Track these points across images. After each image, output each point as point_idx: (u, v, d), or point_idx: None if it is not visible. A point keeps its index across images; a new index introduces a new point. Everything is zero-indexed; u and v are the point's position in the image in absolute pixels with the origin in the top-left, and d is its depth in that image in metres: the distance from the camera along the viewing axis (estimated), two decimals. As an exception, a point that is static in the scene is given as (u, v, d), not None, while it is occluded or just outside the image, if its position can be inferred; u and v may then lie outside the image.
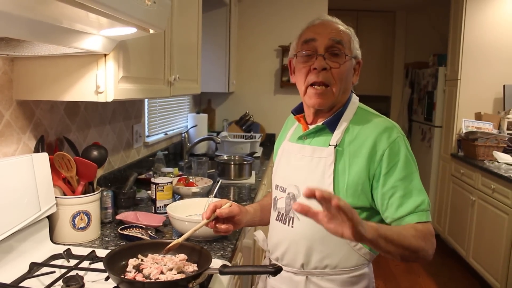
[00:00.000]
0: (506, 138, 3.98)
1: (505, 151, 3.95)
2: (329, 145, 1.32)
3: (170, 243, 1.31)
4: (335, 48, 1.31)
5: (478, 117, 4.36)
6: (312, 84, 1.33)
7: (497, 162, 3.79)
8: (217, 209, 1.35)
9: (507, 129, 4.13)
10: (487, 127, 4.16)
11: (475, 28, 4.32)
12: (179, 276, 1.23)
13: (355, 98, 1.42)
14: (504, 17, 4.27)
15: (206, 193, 2.28)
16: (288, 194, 1.40)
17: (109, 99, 1.45)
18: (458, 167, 4.29)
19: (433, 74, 5.00)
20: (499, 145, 3.94)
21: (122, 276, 1.22)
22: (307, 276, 1.35)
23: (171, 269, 1.26)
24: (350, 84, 1.39)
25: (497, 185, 3.47)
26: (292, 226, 1.37)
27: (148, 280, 1.19)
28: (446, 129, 4.69)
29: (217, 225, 1.36)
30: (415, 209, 1.23)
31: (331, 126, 1.35)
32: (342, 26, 1.37)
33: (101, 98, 1.45)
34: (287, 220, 1.39)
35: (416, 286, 3.86)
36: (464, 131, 4.20)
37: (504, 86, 4.24)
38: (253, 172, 2.93)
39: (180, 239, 1.31)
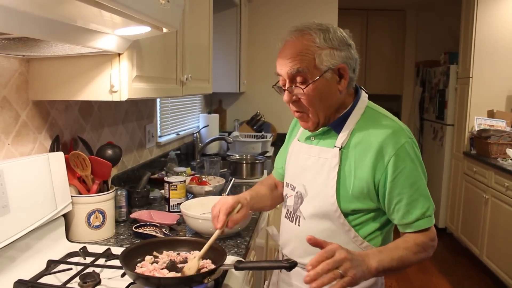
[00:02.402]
0: (520, 136, 3.95)
1: (519, 148, 3.91)
2: (334, 147, 1.32)
3: (185, 240, 1.32)
4: (296, 78, 1.27)
5: (491, 114, 4.33)
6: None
7: (511, 159, 3.76)
8: (230, 222, 1.36)
9: (520, 126, 4.10)
10: (500, 124, 4.13)
11: (486, 25, 4.29)
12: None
13: (364, 97, 1.38)
14: (516, 13, 4.24)
15: (219, 192, 2.29)
16: (297, 193, 1.41)
17: (124, 98, 1.46)
18: (471, 165, 4.26)
19: (444, 72, 4.97)
20: (512, 142, 3.91)
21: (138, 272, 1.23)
22: None
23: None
24: (333, 97, 1.31)
25: (511, 182, 3.44)
26: (298, 225, 1.39)
27: (163, 276, 1.20)
28: (458, 127, 4.66)
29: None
30: (421, 217, 1.26)
31: (336, 128, 1.34)
32: (301, 45, 1.26)
33: (115, 97, 1.46)
34: (295, 218, 1.41)
35: (430, 285, 3.84)
36: (476, 129, 4.17)
37: (517, 83, 4.21)
38: (265, 171, 2.94)
39: (199, 256, 1.26)
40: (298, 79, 1.26)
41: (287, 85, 1.30)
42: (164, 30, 1.36)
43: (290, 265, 1.15)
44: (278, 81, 1.34)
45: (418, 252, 1.25)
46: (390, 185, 1.25)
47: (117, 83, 1.45)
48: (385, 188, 1.26)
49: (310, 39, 1.25)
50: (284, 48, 1.30)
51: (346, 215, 1.30)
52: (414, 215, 1.26)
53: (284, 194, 1.51)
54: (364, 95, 1.39)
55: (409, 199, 1.25)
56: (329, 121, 1.35)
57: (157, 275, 1.20)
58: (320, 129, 1.37)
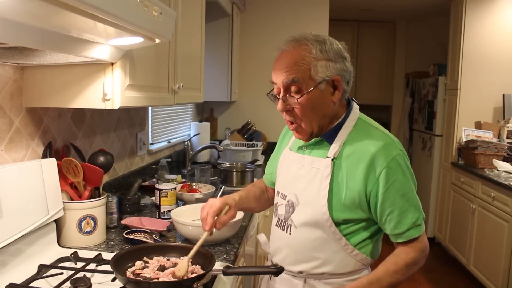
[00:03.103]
0: (506, 147, 4.02)
1: (505, 159, 3.98)
2: (327, 157, 1.34)
3: (175, 246, 1.35)
4: (291, 87, 1.29)
5: (478, 126, 4.40)
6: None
7: (497, 170, 3.82)
8: (218, 224, 1.41)
9: (507, 137, 4.16)
10: (487, 135, 4.20)
11: (474, 37, 4.38)
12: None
13: (355, 108, 1.41)
14: (503, 27, 4.33)
15: (209, 200, 2.32)
16: (288, 201, 1.43)
17: (116, 106, 1.49)
18: (459, 176, 4.32)
19: (433, 84, 5.05)
20: (499, 153, 3.97)
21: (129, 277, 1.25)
22: (305, 280, 1.40)
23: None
24: (327, 108, 1.33)
25: (497, 193, 3.49)
26: (290, 233, 1.41)
27: (154, 280, 1.22)
28: (447, 138, 4.73)
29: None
30: (411, 226, 1.30)
31: (329, 138, 1.36)
32: (297, 55, 1.28)
33: (108, 106, 1.50)
34: (286, 227, 1.43)
35: (417, 294, 3.88)
36: (464, 140, 4.24)
37: (503, 95, 4.28)
38: (255, 180, 2.96)
39: (189, 257, 1.30)
40: (293, 88, 1.29)
41: (281, 94, 1.32)
42: (157, 40, 1.40)
43: (277, 270, 1.18)
44: (273, 89, 1.36)
45: (408, 271, 1.30)
46: (382, 196, 1.28)
47: (110, 91, 1.48)
48: (376, 199, 1.29)
49: (307, 50, 1.28)
50: (281, 57, 1.32)
51: (337, 224, 1.32)
52: (405, 226, 1.29)
53: (275, 202, 1.53)
54: (355, 107, 1.42)
55: (400, 210, 1.28)
56: (322, 132, 1.37)
57: (161, 279, 1.23)
58: (312, 139, 1.39)
